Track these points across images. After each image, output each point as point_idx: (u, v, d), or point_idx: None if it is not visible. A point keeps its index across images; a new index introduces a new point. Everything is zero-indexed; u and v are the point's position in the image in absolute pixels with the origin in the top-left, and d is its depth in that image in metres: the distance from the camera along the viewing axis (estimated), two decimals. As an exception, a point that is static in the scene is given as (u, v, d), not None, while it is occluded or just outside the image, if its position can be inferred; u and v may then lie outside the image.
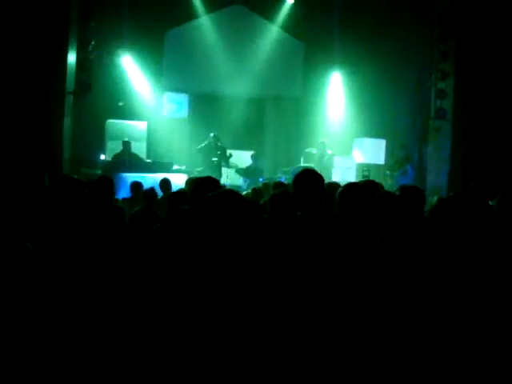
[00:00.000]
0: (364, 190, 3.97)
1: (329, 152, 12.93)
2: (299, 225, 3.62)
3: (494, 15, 10.99)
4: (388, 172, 12.67)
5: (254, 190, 7.63)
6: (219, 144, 12.80)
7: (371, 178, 12.14)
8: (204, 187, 3.89)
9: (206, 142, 12.74)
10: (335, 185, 5.10)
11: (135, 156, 12.30)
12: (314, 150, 13.25)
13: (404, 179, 12.00)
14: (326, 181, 4.20)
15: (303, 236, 3.50)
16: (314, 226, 3.53)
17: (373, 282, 3.26)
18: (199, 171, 12.17)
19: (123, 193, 9.67)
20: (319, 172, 3.91)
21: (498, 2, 10.95)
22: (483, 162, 11.11)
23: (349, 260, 3.35)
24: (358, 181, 4.53)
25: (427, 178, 12.44)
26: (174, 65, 14.43)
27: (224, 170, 13.08)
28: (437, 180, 12.06)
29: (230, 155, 12.96)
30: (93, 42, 12.43)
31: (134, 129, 13.51)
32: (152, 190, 7.26)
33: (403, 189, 4.39)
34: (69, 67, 11.40)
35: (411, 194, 4.23)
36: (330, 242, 3.43)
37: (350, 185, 4.08)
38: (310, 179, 3.69)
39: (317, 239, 3.43)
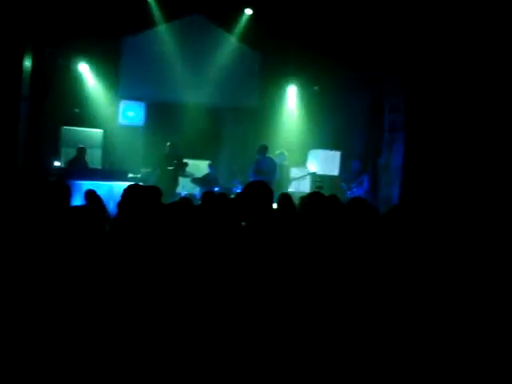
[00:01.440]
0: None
1: (286, 163, 13.14)
2: (242, 234, 3.68)
3: (440, 31, 11.29)
4: (344, 184, 12.85)
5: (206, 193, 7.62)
6: (176, 153, 12.82)
7: (325, 189, 12.36)
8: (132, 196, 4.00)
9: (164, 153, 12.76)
10: (287, 195, 5.24)
11: (88, 164, 12.24)
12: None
13: (359, 190, 12.25)
14: (280, 191, 4.32)
15: (245, 245, 3.55)
16: (256, 236, 3.58)
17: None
18: (155, 180, 12.15)
19: (77, 200, 9.59)
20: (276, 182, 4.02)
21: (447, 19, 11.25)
22: (435, 174, 11.37)
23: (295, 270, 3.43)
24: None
25: (379, 189, 12.66)
26: (131, 73, 14.39)
27: (180, 179, 13.09)
28: (389, 192, 12.29)
29: (187, 164, 12.95)
30: (49, 48, 12.35)
31: (90, 136, 13.42)
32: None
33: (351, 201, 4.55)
34: (24, 72, 11.26)
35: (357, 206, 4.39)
36: (271, 250, 3.48)
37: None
38: (257, 190, 3.75)
39: (258, 248, 3.48)
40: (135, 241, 3.61)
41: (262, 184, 3.85)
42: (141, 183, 10.46)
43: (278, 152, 13.25)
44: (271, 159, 12.63)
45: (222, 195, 7.67)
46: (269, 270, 3.28)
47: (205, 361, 2.65)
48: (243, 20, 14.38)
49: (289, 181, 13.27)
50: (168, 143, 12.86)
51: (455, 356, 3.00)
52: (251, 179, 12.25)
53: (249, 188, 3.81)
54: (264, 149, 12.63)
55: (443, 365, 2.98)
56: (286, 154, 13.30)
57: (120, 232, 3.84)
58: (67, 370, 2.86)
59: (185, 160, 12.94)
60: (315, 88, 14.72)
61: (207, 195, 7.01)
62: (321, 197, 4.41)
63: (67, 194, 6.16)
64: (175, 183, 12.69)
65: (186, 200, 7.90)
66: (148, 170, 13.09)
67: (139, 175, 12.52)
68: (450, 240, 4.18)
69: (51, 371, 2.82)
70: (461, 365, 2.97)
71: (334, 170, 13.88)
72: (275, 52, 14.25)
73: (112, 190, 10.53)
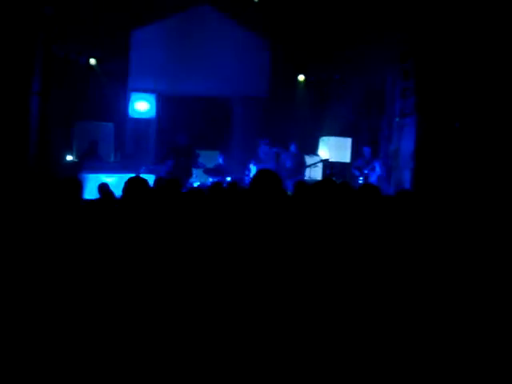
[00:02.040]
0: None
1: (298, 152, 13.21)
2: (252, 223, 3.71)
3: (455, 17, 11.21)
4: (356, 171, 12.83)
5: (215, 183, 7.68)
6: (187, 144, 12.85)
7: (337, 176, 12.38)
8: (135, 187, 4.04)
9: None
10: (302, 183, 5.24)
11: (101, 157, 12.29)
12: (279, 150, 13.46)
13: (372, 176, 12.24)
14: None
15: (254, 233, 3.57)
16: (267, 224, 3.60)
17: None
18: (168, 171, 12.21)
19: (90, 194, 9.66)
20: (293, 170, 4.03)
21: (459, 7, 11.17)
22: (447, 159, 11.33)
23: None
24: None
25: (392, 175, 12.64)
26: (141, 65, 14.40)
27: (193, 169, 13.13)
28: (400, 177, 12.28)
29: (199, 155, 12.99)
30: (59, 43, 12.40)
31: (102, 129, 13.49)
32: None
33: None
34: (35, 68, 11.32)
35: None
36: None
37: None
38: (265, 179, 3.77)
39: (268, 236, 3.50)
40: (141, 232, 3.65)
41: (270, 173, 3.87)
42: (153, 175, 10.58)
43: (291, 142, 13.28)
44: (270, 148, 12.78)
45: (233, 185, 7.72)
46: (280, 258, 3.31)
47: (207, 356, 2.68)
48: (252, 9, 14.33)
49: (303, 169, 13.28)
50: (179, 134, 12.89)
51: (461, 352, 3.02)
52: (251, 165, 12.42)
53: (257, 178, 3.83)
54: (263, 138, 12.82)
55: (446, 363, 2.99)
56: (298, 143, 13.31)
57: (124, 223, 3.88)
58: (70, 367, 2.91)
59: (197, 151, 12.97)
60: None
61: (215, 186, 7.06)
62: (332, 184, 4.42)
63: (79, 189, 6.23)
64: (188, 174, 12.73)
65: (197, 191, 7.96)
66: (160, 162, 13.14)
67: (151, 167, 12.56)
68: (460, 226, 4.19)
69: (54, 368, 2.86)
70: (463, 364, 2.99)
71: (346, 157, 13.86)
72: (285, 40, 14.22)
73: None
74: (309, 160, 13.43)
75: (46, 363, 2.89)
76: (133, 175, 10.21)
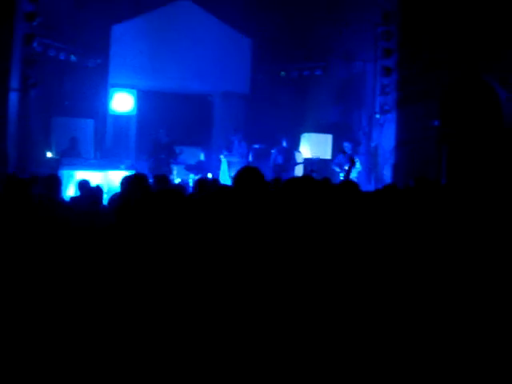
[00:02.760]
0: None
1: (288, 148, 13.29)
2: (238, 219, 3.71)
3: (435, 12, 11.29)
4: (337, 168, 12.87)
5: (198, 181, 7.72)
6: (167, 140, 12.83)
7: (318, 172, 12.41)
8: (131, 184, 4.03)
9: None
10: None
11: (80, 153, 12.22)
12: (262, 146, 13.54)
13: (352, 172, 12.30)
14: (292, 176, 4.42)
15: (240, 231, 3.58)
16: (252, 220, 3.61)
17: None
18: (148, 168, 12.18)
19: (70, 191, 9.62)
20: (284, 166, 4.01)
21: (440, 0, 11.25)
22: (426, 155, 11.44)
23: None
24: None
25: (372, 171, 12.73)
26: (121, 61, 14.32)
27: (174, 166, 13.11)
28: (381, 172, 12.38)
29: (181, 152, 12.96)
30: (38, 38, 12.28)
31: (81, 126, 13.38)
32: (98, 188, 7.25)
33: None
34: (13, 63, 11.22)
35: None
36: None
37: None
38: (248, 176, 3.77)
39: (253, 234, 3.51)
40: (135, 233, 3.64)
41: (253, 170, 3.87)
42: (133, 171, 10.54)
43: (281, 137, 13.35)
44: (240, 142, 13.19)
45: (215, 181, 7.73)
46: (265, 257, 3.31)
47: (207, 357, 2.68)
48: (232, 4, 14.30)
49: (292, 164, 13.36)
50: (160, 131, 12.87)
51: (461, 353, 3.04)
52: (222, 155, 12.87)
53: (240, 175, 3.83)
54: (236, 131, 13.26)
55: (446, 363, 3.01)
56: (288, 138, 13.42)
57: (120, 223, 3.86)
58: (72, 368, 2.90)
59: (178, 148, 12.94)
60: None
61: (200, 183, 7.06)
62: (312, 181, 4.41)
63: (58, 186, 6.20)
64: (168, 171, 12.71)
65: (178, 188, 7.95)
66: (141, 159, 13.11)
67: (131, 163, 12.51)
68: (443, 220, 4.22)
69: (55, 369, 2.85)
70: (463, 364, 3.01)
71: (327, 154, 13.90)
72: (266, 36, 14.22)
73: (105, 179, 10.55)
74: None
75: (46, 365, 2.88)
76: (113, 171, 10.19)
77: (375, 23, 12.66)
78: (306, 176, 4.60)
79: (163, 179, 7.28)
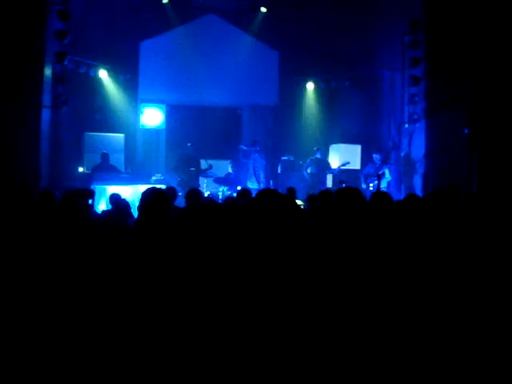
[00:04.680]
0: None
1: (323, 158, 13.30)
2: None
3: (463, 20, 11.21)
4: (366, 178, 12.81)
5: (228, 198, 7.80)
6: (196, 154, 12.94)
7: (347, 183, 12.36)
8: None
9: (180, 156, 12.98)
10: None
11: (113, 168, 12.34)
12: (291, 158, 13.55)
13: (381, 182, 12.21)
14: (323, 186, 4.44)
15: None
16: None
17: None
18: (178, 181, 12.27)
19: (102, 205, 9.75)
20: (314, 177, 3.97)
21: (467, 8, 11.18)
22: (457, 164, 11.33)
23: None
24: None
25: (403, 181, 12.65)
26: (150, 76, 14.53)
27: (203, 179, 13.20)
28: (411, 182, 12.28)
29: (210, 166, 13.04)
30: (68, 55, 12.52)
31: (112, 141, 13.57)
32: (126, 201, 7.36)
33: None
34: (45, 81, 11.43)
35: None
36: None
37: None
38: (269, 199, 3.76)
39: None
40: (156, 244, 3.68)
41: (273, 192, 3.85)
42: (164, 185, 10.64)
43: (315, 148, 13.33)
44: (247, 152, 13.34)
45: (244, 193, 7.76)
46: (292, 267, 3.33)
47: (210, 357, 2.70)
48: (258, 18, 14.41)
49: (326, 175, 13.34)
50: (188, 144, 12.99)
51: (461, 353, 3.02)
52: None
53: (259, 198, 3.81)
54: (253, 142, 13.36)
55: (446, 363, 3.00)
56: (322, 149, 13.42)
57: (141, 235, 3.91)
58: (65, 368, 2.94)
59: (207, 161, 13.02)
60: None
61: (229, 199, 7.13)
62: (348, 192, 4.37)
63: (91, 199, 6.29)
64: (197, 184, 12.81)
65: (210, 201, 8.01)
66: (170, 172, 13.22)
67: (162, 177, 12.63)
68: (471, 230, 4.19)
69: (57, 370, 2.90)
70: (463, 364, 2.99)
71: (356, 164, 13.86)
72: (292, 49, 14.28)
73: (136, 193, 10.66)
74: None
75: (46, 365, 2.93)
76: (144, 185, 10.31)
77: (402, 32, 12.63)
78: (343, 189, 4.54)
79: (195, 193, 7.33)
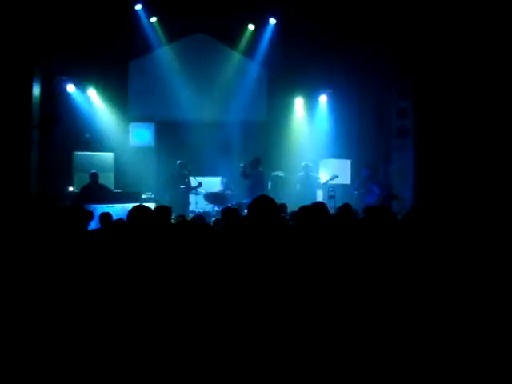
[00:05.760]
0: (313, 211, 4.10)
1: (311, 174, 13.28)
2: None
3: (449, 32, 11.31)
4: (355, 192, 12.85)
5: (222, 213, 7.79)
6: (186, 171, 12.91)
7: (337, 197, 12.39)
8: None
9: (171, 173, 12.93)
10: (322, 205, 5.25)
11: (103, 187, 12.29)
12: (281, 173, 13.54)
13: (370, 197, 12.21)
14: (312, 201, 4.47)
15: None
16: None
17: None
18: (168, 199, 12.22)
19: (92, 224, 9.67)
20: (303, 193, 4.05)
21: (451, 21, 11.28)
22: (446, 178, 11.37)
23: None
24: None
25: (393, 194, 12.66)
26: (139, 95, 14.56)
27: (193, 196, 13.16)
28: (403, 195, 12.30)
29: (200, 184, 13.00)
30: (57, 75, 12.54)
31: (102, 159, 13.55)
32: (121, 220, 7.30)
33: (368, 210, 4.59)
34: (33, 100, 11.42)
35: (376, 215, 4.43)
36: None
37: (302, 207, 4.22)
38: (262, 205, 3.78)
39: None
40: (143, 260, 3.68)
41: (266, 198, 3.89)
42: (153, 204, 10.60)
43: (303, 164, 13.35)
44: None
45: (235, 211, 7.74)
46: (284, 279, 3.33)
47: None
48: (246, 36, 14.48)
49: (315, 190, 13.33)
50: (178, 162, 12.96)
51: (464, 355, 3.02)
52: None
53: (254, 204, 3.85)
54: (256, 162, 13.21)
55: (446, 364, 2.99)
56: (310, 165, 13.40)
57: (128, 251, 3.91)
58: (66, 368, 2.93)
59: (198, 179, 12.99)
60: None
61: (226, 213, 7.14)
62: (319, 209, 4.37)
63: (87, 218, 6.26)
64: (187, 202, 12.79)
65: (199, 218, 7.99)
66: (160, 190, 13.20)
67: (152, 196, 12.58)
68: (462, 241, 4.20)
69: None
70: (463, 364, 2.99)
71: (346, 179, 13.89)
72: (281, 65, 14.33)
73: (126, 212, 10.59)
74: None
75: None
76: (134, 204, 10.25)
77: (388, 50, 12.72)
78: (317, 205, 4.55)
79: (231, 212, 7.32)
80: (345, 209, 5.80)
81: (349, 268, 3.52)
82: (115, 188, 12.97)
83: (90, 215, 7.11)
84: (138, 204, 4.51)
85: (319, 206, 4.26)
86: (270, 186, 13.38)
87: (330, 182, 13.18)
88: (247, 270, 3.41)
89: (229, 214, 7.17)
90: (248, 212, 3.93)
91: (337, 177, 13.22)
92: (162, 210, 6.00)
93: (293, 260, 3.47)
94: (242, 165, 13.20)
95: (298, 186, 13.21)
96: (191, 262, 3.74)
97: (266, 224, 3.69)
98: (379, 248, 3.78)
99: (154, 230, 4.04)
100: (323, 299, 3.27)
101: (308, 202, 4.82)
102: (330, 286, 3.34)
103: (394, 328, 3.19)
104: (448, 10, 11.08)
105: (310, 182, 13.20)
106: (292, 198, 11.78)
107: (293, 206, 9.03)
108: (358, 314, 3.24)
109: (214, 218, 9.74)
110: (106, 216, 8.14)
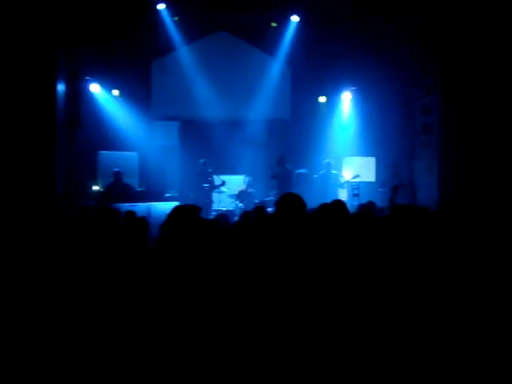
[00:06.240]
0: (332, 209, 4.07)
1: (333, 172, 13.19)
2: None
3: (473, 30, 11.19)
4: (381, 189, 12.78)
5: (244, 212, 7.78)
6: (209, 170, 12.93)
7: (362, 195, 12.32)
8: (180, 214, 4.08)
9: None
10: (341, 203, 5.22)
11: (127, 186, 12.37)
12: (304, 171, 13.49)
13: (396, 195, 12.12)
14: (333, 199, 4.44)
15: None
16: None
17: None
18: (191, 198, 12.26)
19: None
20: (324, 191, 4.04)
21: (477, 17, 11.15)
22: (472, 174, 11.25)
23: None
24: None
25: (418, 192, 12.55)
26: (163, 94, 14.59)
27: (216, 195, 13.19)
28: (427, 194, 12.18)
29: (224, 182, 13.02)
30: (81, 76, 12.65)
31: (126, 159, 13.63)
32: (144, 219, 7.32)
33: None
34: (58, 101, 11.52)
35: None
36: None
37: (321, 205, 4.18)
38: (290, 202, 3.78)
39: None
40: (181, 258, 3.68)
41: (293, 196, 3.88)
42: (177, 202, 10.62)
43: (325, 161, 13.28)
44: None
45: (260, 209, 7.73)
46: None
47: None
48: (269, 33, 14.43)
49: (337, 189, 13.23)
50: (201, 160, 12.98)
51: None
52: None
53: (281, 202, 3.84)
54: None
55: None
56: (332, 162, 13.31)
57: (166, 250, 3.92)
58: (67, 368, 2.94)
59: (221, 178, 13.01)
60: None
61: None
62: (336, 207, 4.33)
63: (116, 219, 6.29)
64: (211, 200, 12.81)
65: (221, 217, 7.99)
66: (184, 189, 13.23)
67: (176, 194, 12.62)
68: (489, 240, 4.13)
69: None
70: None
71: (371, 176, 13.81)
72: (304, 62, 14.27)
73: (150, 211, 10.65)
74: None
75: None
76: (157, 203, 10.31)
77: (412, 44, 12.60)
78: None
79: (261, 209, 7.42)
80: (367, 207, 5.76)
81: (363, 266, 3.49)
82: (139, 187, 13.04)
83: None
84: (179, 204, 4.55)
85: (338, 204, 4.22)
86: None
87: (352, 180, 13.11)
88: (268, 267, 3.40)
89: (259, 210, 7.27)
90: (276, 209, 3.92)
91: (358, 176, 13.14)
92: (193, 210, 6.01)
93: (309, 257, 3.45)
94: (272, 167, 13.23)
95: (319, 184, 13.12)
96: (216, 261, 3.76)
97: (293, 221, 3.68)
98: (400, 246, 3.74)
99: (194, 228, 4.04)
100: (335, 294, 3.25)
101: (329, 200, 4.79)
102: (338, 285, 3.32)
103: (408, 326, 3.16)
104: (474, 6, 10.95)
105: (331, 180, 13.12)
106: (314, 196, 11.74)
107: (314, 204, 8.99)
108: (370, 313, 3.22)
109: (236, 218, 9.75)
110: (129, 215, 8.17)
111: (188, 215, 4.34)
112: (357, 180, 13.18)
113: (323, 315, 3.20)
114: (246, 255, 3.76)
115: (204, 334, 3.10)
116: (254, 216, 7.19)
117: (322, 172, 13.25)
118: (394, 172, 12.69)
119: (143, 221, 7.29)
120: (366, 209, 5.82)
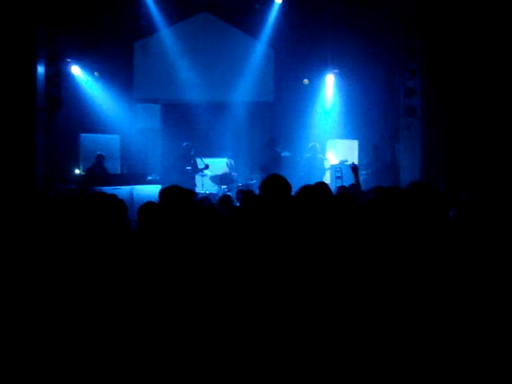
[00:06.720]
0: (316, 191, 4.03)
1: (319, 155, 13.15)
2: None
3: (458, 13, 11.17)
4: (364, 172, 12.79)
5: (223, 196, 7.79)
6: (192, 153, 12.84)
7: (345, 178, 12.32)
8: (172, 196, 4.00)
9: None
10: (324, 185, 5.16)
11: (108, 169, 12.28)
12: (287, 154, 13.44)
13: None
14: (317, 181, 4.41)
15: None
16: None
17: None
18: (174, 181, 12.18)
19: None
20: (310, 174, 4.02)
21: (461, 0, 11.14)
22: (455, 157, 11.29)
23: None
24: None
25: (400, 175, 12.58)
26: (144, 76, 14.45)
27: (200, 178, 13.12)
28: (410, 177, 12.20)
29: (207, 166, 12.94)
30: (62, 57, 12.47)
31: (107, 142, 13.51)
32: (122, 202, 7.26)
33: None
34: (38, 83, 11.36)
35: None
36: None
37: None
38: (275, 184, 3.75)
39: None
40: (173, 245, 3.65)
41: (278, 177, 3.85)
42: (159, 186, 10.55)
43: (310, 145, 13.24)
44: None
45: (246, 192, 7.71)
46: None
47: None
48: (252, 15, 14.31)
49: (323, 172, 13.19)
50: (184, 143, 12.89)
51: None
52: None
53: (266, 183, 3.81)
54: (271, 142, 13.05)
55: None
56: (317, 146, 13.26)
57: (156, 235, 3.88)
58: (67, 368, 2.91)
59: (204, 161, 12.92)
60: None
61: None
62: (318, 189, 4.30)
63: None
64: (194, 183, 12.74)
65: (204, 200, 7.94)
66: (166, 172, 13.16)
67: (158, 177, 12.54)
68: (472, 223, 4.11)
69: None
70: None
71: (354, 159, 13.81)
72: (287, 45, 14.20)
73: (132, 194, 10.59)
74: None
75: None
76: (139, 186, 10.22)
77: (397, 27, 12.55)
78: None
79: (248, 192, 7.44)
80: (346, 188, 5.73)
81: (346, 248, 3.48)
82: (121, 170, 12.94)
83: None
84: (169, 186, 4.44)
85: (321, 186, 4.20)
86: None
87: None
88: (256, 251, 3.38)
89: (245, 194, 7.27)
90: (260, 191, 3.87)
91: (346, 161, 13.12)
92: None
93: (293, 239, 3.43)
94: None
95: (305, 168, 13.08)
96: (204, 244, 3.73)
97: (278, 203, 3.65)
98: (381, 226, 3.73)
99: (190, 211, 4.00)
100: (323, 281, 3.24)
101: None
102: (321, 266, 3.31)
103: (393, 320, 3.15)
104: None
105: (317, 164, 13.09)
106: (299, 179, 11.72)
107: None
108: (363, 301, 3.20)
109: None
110: (112, 198, 8.08)
111: (184, 200, 4.27)
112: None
113: (310, 299, 3.18)
114: (233, 239, 3.74)
115: (193, 321, 3.07)
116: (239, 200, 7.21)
117: (307, 155, 13.20)
118: (376, 155, 12.71)
119: (122, 204, 7.25)
120: (346, 190, 5.82)
